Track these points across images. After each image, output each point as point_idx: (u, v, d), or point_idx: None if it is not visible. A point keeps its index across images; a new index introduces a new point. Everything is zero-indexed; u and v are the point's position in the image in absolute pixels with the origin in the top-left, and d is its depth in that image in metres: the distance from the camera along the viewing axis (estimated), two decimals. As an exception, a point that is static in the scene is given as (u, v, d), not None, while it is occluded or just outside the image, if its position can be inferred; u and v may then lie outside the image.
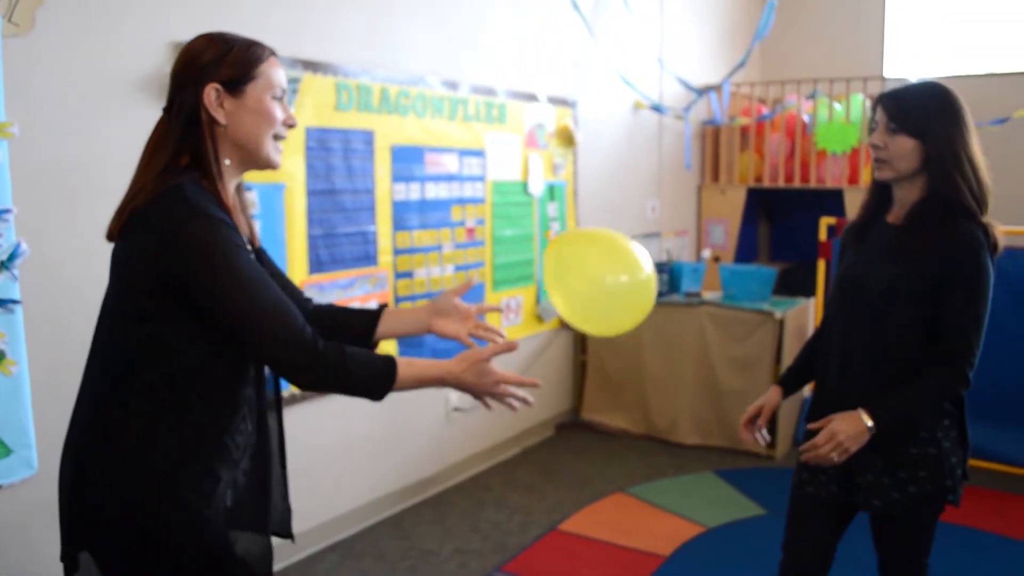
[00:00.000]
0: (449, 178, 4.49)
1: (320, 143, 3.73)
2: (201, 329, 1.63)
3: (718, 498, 4.49)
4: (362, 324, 2.12)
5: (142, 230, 1.61)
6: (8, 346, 2.62)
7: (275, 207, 3.55)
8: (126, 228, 1.63)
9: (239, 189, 1.80)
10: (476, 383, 1.78)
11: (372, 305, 4.02)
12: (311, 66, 3.64)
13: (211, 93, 1.65)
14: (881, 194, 2.32)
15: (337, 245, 3.85)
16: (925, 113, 2.15)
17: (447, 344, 4.50)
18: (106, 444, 1.64)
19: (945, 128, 2.13)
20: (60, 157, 2.80)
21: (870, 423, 2.09)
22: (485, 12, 4.70)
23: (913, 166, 2.17)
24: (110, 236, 1.67)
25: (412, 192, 4.25)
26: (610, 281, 1.98)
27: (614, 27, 5.86)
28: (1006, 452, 4.76)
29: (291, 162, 3.61)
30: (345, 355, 1.65)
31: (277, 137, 1.75)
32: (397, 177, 4.15)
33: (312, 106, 3.67)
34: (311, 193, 3.71)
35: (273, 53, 1.75)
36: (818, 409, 2.36)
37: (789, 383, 2.52)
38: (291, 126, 1.77)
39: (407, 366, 1.72)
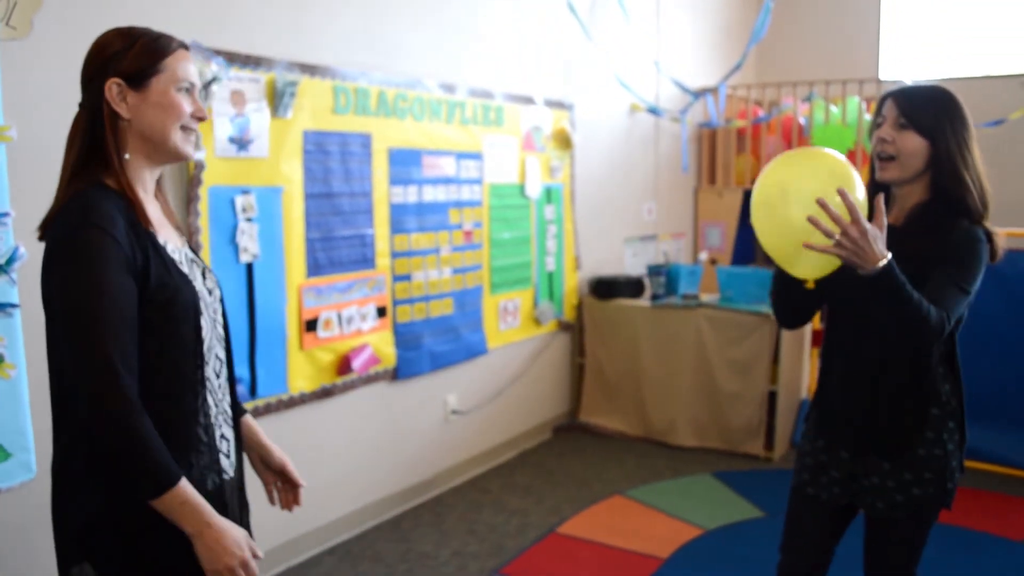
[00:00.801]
0: (447, 181, 4.49)
1: (318, 146, 3.73)
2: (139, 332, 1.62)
3: (716, 500, 4.49)
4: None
5: (47, 240, 1.63)
6: (7, 350, 2.62)
7: (273, 210, 3.55)
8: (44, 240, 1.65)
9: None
10: (223, 551, 1.63)
11: (370, 308, 4.03)
12: (308, 69, 3.65)
13: (112, 88, 1.66)
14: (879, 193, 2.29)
15: (335, 248, 3.85)
16: (936, 113, 2.12)
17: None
18: (72, 457, 1.65)
19: (953, 130, 2.11)
20: (58, 161, 2.79)
21: (885, 261, 1.90)
22: (482, 15, 4.71)
23: (919, 166, 2.13)
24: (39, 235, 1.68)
25: (410, 195, 4.25)
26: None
27: (611, 30, 5.87)
28: (1004, 454, 4.77)
29: (289, 165, 3.61)
30: (135, 424, 1.52)
31: (185, 129, 1.73)
32: (395, 180, 4.15)
33: (310, 109, 3.68)
34: (309, 196, 3.71)
35: (183, 46, 1.74)
36: (818, 414, 2.36)
37: None
38: (201, 119, 1.75)
39: (186, 491, 1.57)
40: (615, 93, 6.00)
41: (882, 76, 7.61)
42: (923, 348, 2.11)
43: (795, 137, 6.66)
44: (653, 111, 6.33)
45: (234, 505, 1.87)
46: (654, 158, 6.59)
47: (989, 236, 2.11)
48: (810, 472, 2.35)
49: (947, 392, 2.19)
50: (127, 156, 1.68)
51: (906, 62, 7.91)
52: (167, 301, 1.65)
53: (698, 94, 6.74)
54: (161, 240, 1.70)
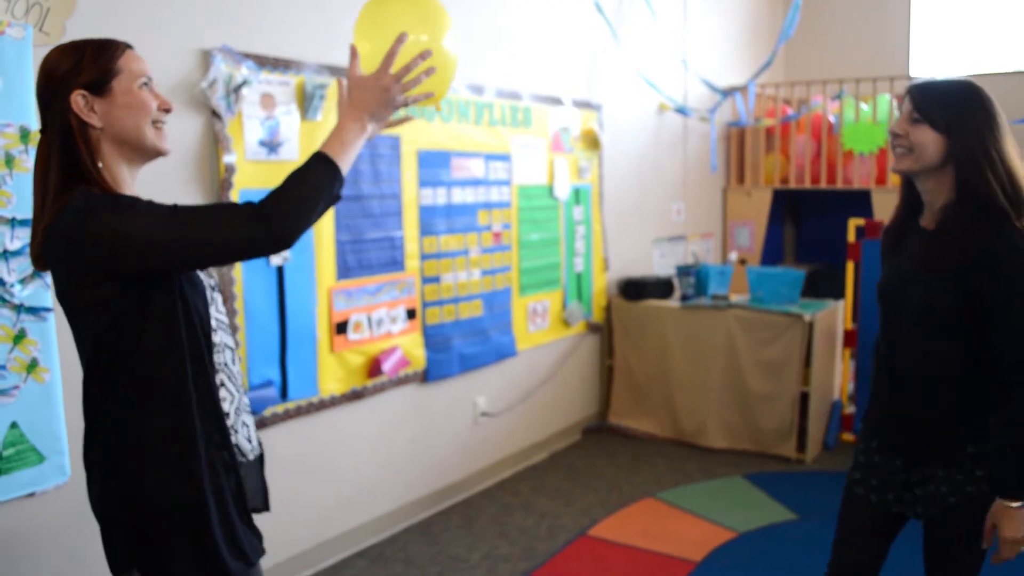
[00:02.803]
0: (475, 183, 4.48)
1: (347, 149, 3.73)
2: (145, 318, 1.65)
3: (748, 503, 4.45)
4: None
5: (57, 246, 1.63)
6: (41, 354, 2.64)
7: (303, 213, 3.55)
8: (45, 252, 1.66)
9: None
10: (371, 97, 1.75)
11: (400, 310, 4.03)
12: (338, 71, 3.65)
13: (79, 100, 1.66)
14: (912, 194, 2.24)
15: (364, 251, 3.85)
16: (952, 108, 2.08)
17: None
18: (107, 458, 1.70)
19: (974, 124, 2.05)
20: (91, 165, 2.81)
21: (1016, 504, 2.03)
22: (509, 16, 4.69)
23: (933, 158, 2.09)
24: (35, 263, 1.69)
25: (439, 197, 4.25)
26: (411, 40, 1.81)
27: (638, 29, 5.84)
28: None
29: (318, 168, 3.60)
30: (280, 189, 1.64)
31: (155, 123, 1.74)
32: (424, 182, 4.15)
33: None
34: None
35: (128, 46, 1.75)
36: (871, 424, 2.32)
37: None
38: (167, 110, 1.77)
39: (329, 146, 1.70)
40: (643, 93, 5.97)
41: (913, 73, 7.53)
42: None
43: (824, 135, 6.59)
44: (681, 111, 6.29)
45: (254, 485, 1.91)
46: (682, 158, 6.55)
47: (1022, 235, 2.04)
48: (862, 471, 2.32)
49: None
50: (100, 164, 1.69)
51: (937, 58, 7.82)
52: (170, 289, 1.68)
53: (726, 93, 6.69)
54: None
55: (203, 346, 1.73)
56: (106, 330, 1.64)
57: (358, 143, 1.75)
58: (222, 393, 1.80)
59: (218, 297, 1.85)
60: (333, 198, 1.70)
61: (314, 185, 1.65)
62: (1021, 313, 2.02)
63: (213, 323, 1.79)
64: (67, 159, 1.66)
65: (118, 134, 1.70)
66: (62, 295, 1.67)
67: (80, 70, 1.67)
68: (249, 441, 1.89)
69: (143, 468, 1.67)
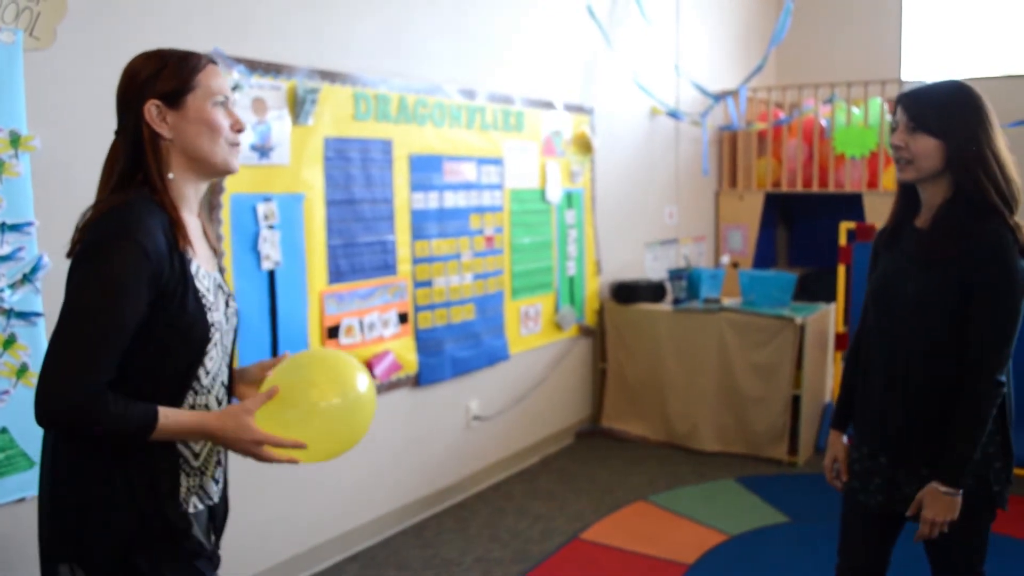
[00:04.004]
0: (467, 186, 4.49)
1: (339, 153, 3.74)
2: (144, 340, 1.63)
3: (741, 505, 4.46)
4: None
5: (81, 248, 1.63)
6: (31, 359, 2.64)
7: (294, 217, 3.55)
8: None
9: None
10: (235, 438, 1.66)
11: (392, 314, 4.03)
12: (329, 76, 3.65)
13: (151, 109, 1.68)
14: (909, 196, 2.28)
15: (356, 255, 3.85)
16: (946, 112, 2.12)
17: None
18: (64, 456, 1.68)
19: (967, 126, 2.10)
20: (82, 170, 2.81)
21: (949, 489, 2.10)
22: (501, 20, 4.70)
23: (936, 165, 2.13)
24: (70, 255, 1.69)
25: (431, 201, 4.25)
26: (323, 405, 1.77)
27: (630, 33, 5.85)
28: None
29: (310, 172, 3.61)
30: (100, 415, 1.55)
31: (230, 143, 1.76)
32: (415, 186, 4.15)
33: (330, 116, 3.68)
34: (330, 203, 3.71)
35: (212, 61, 1.76)
36: (864, 424, 2.34)
37: (843, 421, 2.48)
38: (239, 130, 1.78)
39: (166, 416, 1.61)
40: (635, 97, 5.98)
41: (904, 77, 7.56)
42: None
43: (816, 139, 6.62)
44: (673, 114, 6.31)
45: (213, 528, 1.88)
46: (674, 161, 6.56)
47: (1015, 233, 2.08)
48: (859, 479, 2.36)
49: None
50: (171, 176, 1.71)
51: (928, 62, 7.84)
52: (181, 330, 1.67)
53: (718, 97, 6.71)
54: (194, 266, 1.72)
55: (177, 386, 1.70)
56: None
57: (191, 439, 1.69)
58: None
59: (233, 334, 1.85)
60: (122, 437, 1.60)
61: (128, 419, 1.57)
62: (996, 308, 2.08)
63: (212, 369, 1.76)
64: (133, 164, 1.68)
65: (186, 148, 1.71)
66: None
67: (159, 79, 1.69)
68: (217, 482, 1.84)
69: (91, 484, 1.65)
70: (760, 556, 3.86)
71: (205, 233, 1.83)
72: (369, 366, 3.90)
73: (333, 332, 3.75)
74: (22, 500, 2.68)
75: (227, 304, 1.82)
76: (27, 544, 2.70)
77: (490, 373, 4.75)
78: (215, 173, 1.78)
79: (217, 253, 1.87)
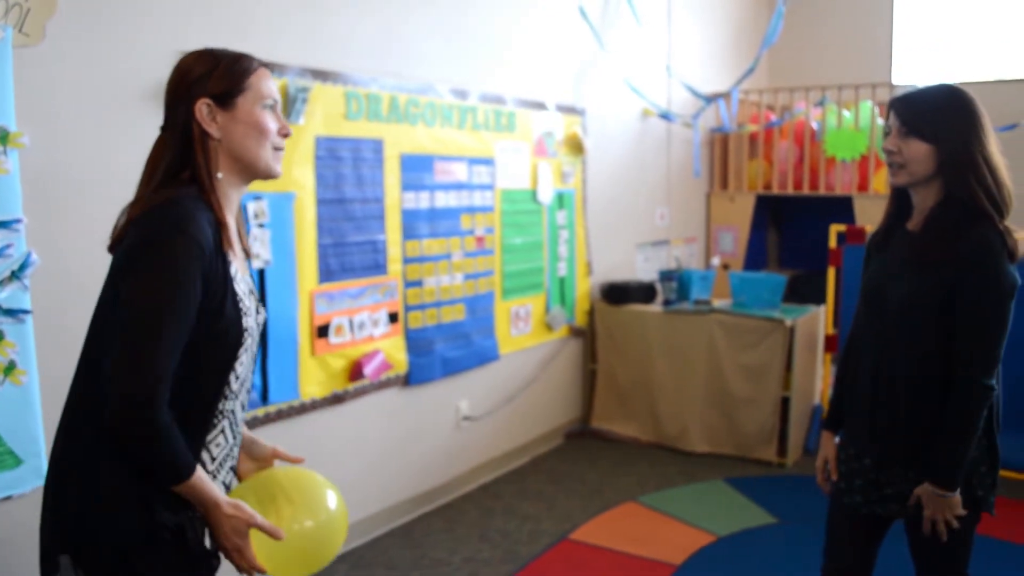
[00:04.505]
0: (458, 186, 4.49)
1: (330, 152, 3.73)
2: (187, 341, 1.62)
3: (729, 506, 4.47)
4: None
5: (132, 235, 1.62)
6: (19, 356, 2.63)
7: (285, 216, 3.55)
8: (121, 242, 1.66)
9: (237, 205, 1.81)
10: (226, 533, 1.65)
11: (382, 314, 4.03)
12: (320, 75, 3.65)
13: (203, 108, 1.68)
14: (901, 199, 2.30)
15: (347, 254, 3.85)
16: (938, 116, 2.13)
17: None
18: (72, 450, 1.68)
19: (959, 131, 2.11)
20: (70, 167, 2.80)
21: (943, 492, 2.12)
22: (494, 21, 4.70)
23: (928, 170, 2.14)
24: (111, 249, 1.69)
25: (422, 201, 4.25)
26: (296, 529, 1.75)
27: (622, 35, 5.86)
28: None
29: (301, 171, 3.61)
30: (163, 429, 1.56)
31: (275, 147, 1.76)
32: (407, 186, 4.15)
33: (322, 115, 3.68)
34: (321, 202, 3.71)
35: (263, 64, 1.77)
36: (852, 425, 2.35)
37: (836, 423, 2.49)
38: (286, 135, 1.78)
39: (201, 479, 1.63)
40: (627, 98, 5.99)
41: (895, 80, 7.58)
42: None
43: (807, 142, 6.63)
44: (665, 116, 6.31)
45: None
46: (666, 163, 6.57)
47: (1004, 237, 2.09)
48: (845, 480, 2.37)
49: None
50: (220, 175, 1.71)
51: (919, 66, 7.87)
52: (217, 333, 1.67)
53: (710, 99, 6.72)
54: (233, 269, 1.72)
55: (209, 393, 1.71)
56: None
57: (204, 505, 1.66)
58: (218, 439, 1.76)
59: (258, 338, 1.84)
60: (153, 472, 1.62)
61: (169, 455, 1.58)
62: (982, 310, 2.09)
63: (242, 374, 1.77)
64: (181, 162, 1.68)
65: (233, 149, 1.72)
66: (111, 277, 1.67)
67: (210, 79, 1.69)
68: (228, 486, 1.83)
69: (106, 482, 1.65)
70: (748, 557, 3.87)
71: (240, 236, 1.83)
72: (358, 366, 3.90)
73: (323, 331, 3.75)
74: (8, 498, 2.67)
75: (257, 311, 1.82)
76: (16, 541, 2.69)
77: (480, 373, 4.75)
78: (258, 176, 1.78)
79: (248, 255, 1.87)
